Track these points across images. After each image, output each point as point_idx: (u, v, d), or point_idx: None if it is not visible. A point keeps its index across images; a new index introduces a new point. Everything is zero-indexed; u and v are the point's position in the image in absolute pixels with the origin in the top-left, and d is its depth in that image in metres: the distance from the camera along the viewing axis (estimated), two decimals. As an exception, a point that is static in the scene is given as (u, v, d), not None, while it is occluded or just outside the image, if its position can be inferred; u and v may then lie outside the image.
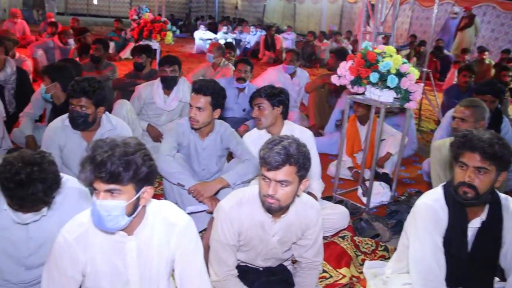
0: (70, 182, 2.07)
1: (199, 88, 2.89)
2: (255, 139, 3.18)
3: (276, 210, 1.97)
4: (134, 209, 1.67)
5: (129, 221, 1.66)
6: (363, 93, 3.60)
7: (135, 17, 6.82)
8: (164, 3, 10.53)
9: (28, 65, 5.63)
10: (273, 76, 5.81)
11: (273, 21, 21.62)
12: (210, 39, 12.25)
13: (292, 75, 5.79)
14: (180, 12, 23.76)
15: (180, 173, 2.86)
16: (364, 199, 3.75)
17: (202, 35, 12.81)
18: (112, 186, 1.57)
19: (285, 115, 3.20)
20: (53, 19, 10.86)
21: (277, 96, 3.11)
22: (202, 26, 13.37)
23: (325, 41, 12.59)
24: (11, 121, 4.36)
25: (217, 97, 2.93)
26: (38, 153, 1.81)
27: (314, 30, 13.52)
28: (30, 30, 10.77)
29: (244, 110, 4.82)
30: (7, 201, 1.81)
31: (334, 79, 3.59)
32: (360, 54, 3.39)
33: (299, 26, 19.24)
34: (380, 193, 3.76)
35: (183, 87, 4.24)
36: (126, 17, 14.88)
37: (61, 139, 2.95)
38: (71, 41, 7.09)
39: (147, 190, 1.67)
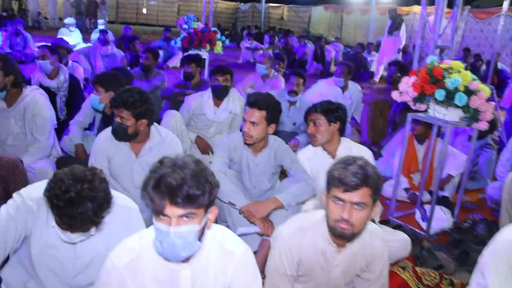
0: (119, 200, 1.96)
1: (254, 101, 2.75)
2: (310, 157, 3.01)
3: (348, 236, 1.80)
4: (202, 233, 1.54)
5: (199, 247, 1.54)
6: (425, 111, 3.36)
7: (185, 26, 6.80)
8: (212, 13, 10.59)
9: (80, 73, 5.69)
10: (323, 88, 5.63)
11: (318, 32, 21.47)
12: (257, 49, 12.20)
13: (344, 88, 5.59)
14: (227, 22, 24.00)
15: (232, 191, 2.71)
16: (423, 224, 3.48)
17: (248, 45, 12.79)
18: (188, 210, 1.44)
19: (342, 132, 3.02)
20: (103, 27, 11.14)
21: (334, 112, 2.94)
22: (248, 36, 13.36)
23: (373, 53, 12.29)
24: (61, 128, 4.37)
25: (273, 111, 2.79)
26: (90, 170, 1.70)
27: (362, 42, 13.24)
28: (83, 38, 11.08)
29: (294, 124, 4.65)
30: (55, 219, 1.71)
31: (395, 95, 3.37)
32: (425, 69, 3.16)
33: (345, 37, 18.98)
34: (441, 219, 3.47)
35: (233, 98, 4.12)
36: (174, 26, 15.07)
37: (109, 150, 2.87)
38: (109, 47, 7.14)
39: (213, 211, 1.55)
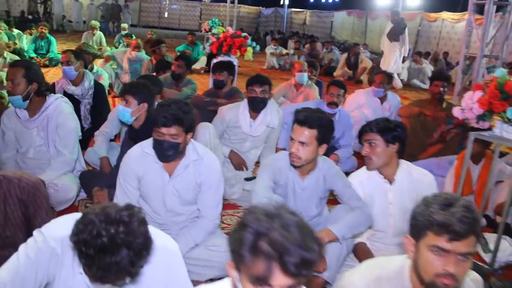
0: (157, 238, 1.63)
1: (303, 119, 2.43)
2: (363, 181, 2.66)
3: None
4: None
5: None
6: (489, 129, 3.00)
7: (214, 31, 6.52)
8: (235, 17, 10.33)
9: (104, 79, 5.44)
10: (361, 99, 5.29)
11: (342, 37, 21.10)
12: (283, 55, 11.88)
13: (382, 99, 5.24)
14: (249, 27, 23.79)
15: (280, 222, 2.38)
16: (485, 256, 3.10)
17: (273, 50, 12.47)
18: (299, 280, 1.12)
19: (401, 154, 2.66)
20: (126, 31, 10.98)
21: (392, 131, 2.57)
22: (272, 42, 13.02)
23: (402, 59, 11.84)
24: (86, 139, 4.10)
25: (324, 130, 2.46)
26: (126, 209, 1.39)
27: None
28: (106, 41, 11.00)
29: (333, 137, 4.30)
30: (83, 268, 1.40)
31: (456, 112, 3.02)
32: (495, 84, 2.80)
33: (370, 43, 18.56)
34: (507, 250, 3.09)
35: (271, 111, 3.79)
36: (196, 30, 14.87)
37: (139, 169, 2.55)
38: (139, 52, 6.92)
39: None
